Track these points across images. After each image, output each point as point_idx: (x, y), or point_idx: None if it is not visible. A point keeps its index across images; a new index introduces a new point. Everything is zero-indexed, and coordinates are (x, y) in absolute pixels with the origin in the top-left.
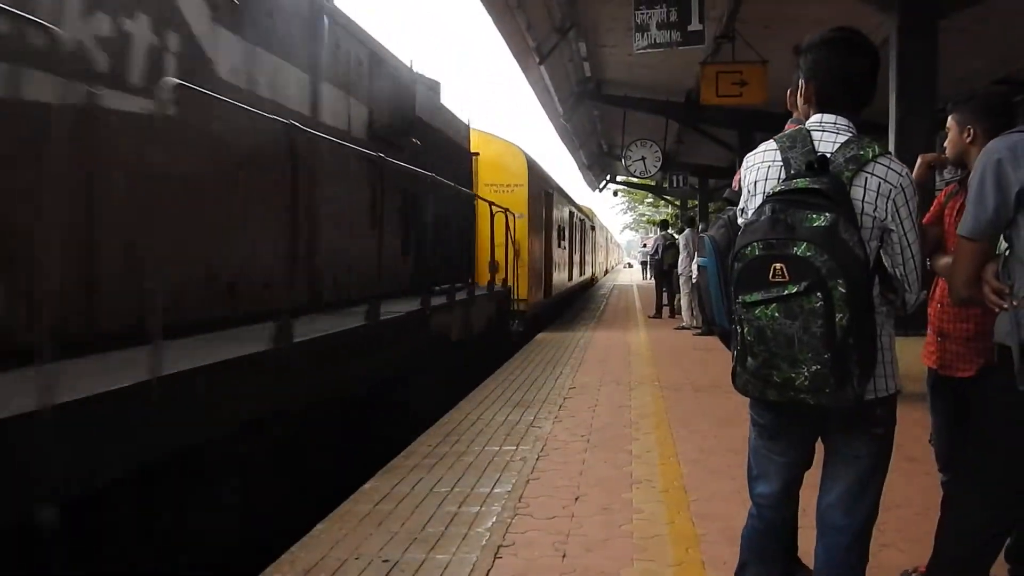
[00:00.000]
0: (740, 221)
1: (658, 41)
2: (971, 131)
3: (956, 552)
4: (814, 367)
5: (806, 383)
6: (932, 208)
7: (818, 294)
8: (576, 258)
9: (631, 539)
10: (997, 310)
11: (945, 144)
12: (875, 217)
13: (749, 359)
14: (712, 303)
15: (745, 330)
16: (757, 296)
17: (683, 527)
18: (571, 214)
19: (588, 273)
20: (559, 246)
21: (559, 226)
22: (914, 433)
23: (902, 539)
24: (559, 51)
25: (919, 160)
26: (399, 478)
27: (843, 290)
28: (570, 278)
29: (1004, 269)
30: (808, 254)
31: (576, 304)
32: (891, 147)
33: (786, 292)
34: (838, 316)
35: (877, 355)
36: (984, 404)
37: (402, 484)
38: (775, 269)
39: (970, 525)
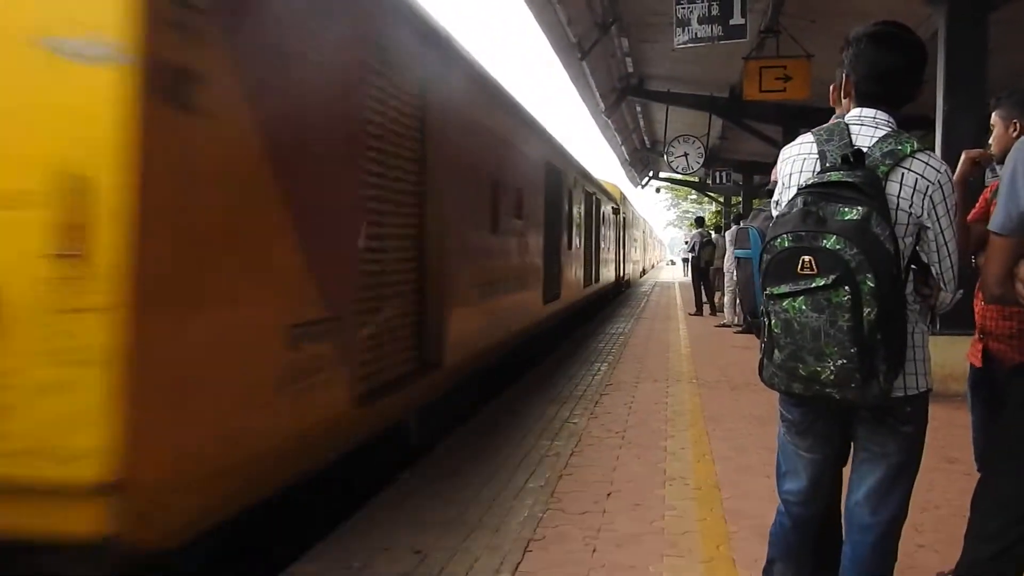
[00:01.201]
0: (774, 213)
1: (699, 36)
2: (1017, 125)
3: (983, 552)
4: (840, 361)
5: (832, 377)
6: (978, 205)
7: (846, 288)
8: (598, 256)
9: (662, 535)
10: None
11: (991, 140)
12: (911, 213)
13: (776, 352)
14: (755, 294)
15: (772, 322)
16: (785, 288)
17: (715, 524)
18: (590, 199)
19: (612, 276)
20: (567, 243)
21: (569, 215)
22: (955, 433)
23: (939, 540)
24: (601, 46)
25: (963, 156)
26: (434, 470)
27: (872, 285)
28: (587, 281)
29: None
30: (838, 247)
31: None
32: (938, 142)
33: (813, 285)
34: (866, 311)
35: (906, 352)
36: (1014, 403)
37: (436, 476)
38: (804, 262)
39: (996, 525)
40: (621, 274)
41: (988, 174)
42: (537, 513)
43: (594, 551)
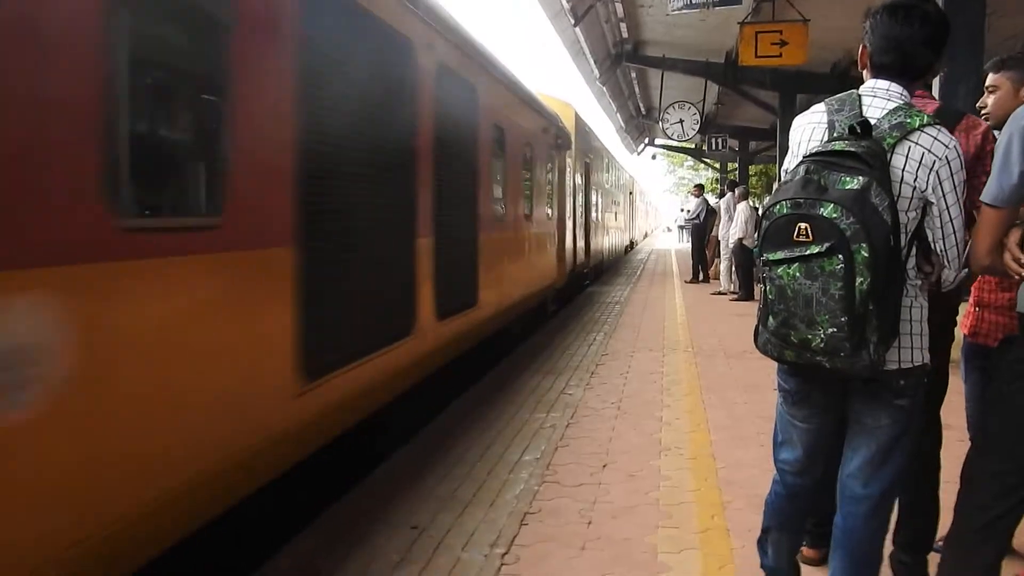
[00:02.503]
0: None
1: (694, 2)
2: None
3: (973, 523)
4: (830, 329)
5: (822, 345)
6: None
7: (839, 256)
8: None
9: (657, 506)
10: (1016, 278)
11: (985, 104)
12: (915, 187)
13: (770, 318)
14: None
15: (767, 288)
16: (781, 255)
17: (709, 494)
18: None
19: (550, 273)
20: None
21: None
22: (951, 400)
23: None
24: (595, 12)
25: None
26: (429, 445)
27: (866, 255)
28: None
29: None
30: (834, 215)
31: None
32: None
33: (808, 252)
34: (859, 280)
35: (900, 325)
36: (1003, 373)
37: (432, 452)
38: (800, 228)
39: (983, 497)
40: (579, 261)
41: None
42: (533, 486)
43: (589, 523)
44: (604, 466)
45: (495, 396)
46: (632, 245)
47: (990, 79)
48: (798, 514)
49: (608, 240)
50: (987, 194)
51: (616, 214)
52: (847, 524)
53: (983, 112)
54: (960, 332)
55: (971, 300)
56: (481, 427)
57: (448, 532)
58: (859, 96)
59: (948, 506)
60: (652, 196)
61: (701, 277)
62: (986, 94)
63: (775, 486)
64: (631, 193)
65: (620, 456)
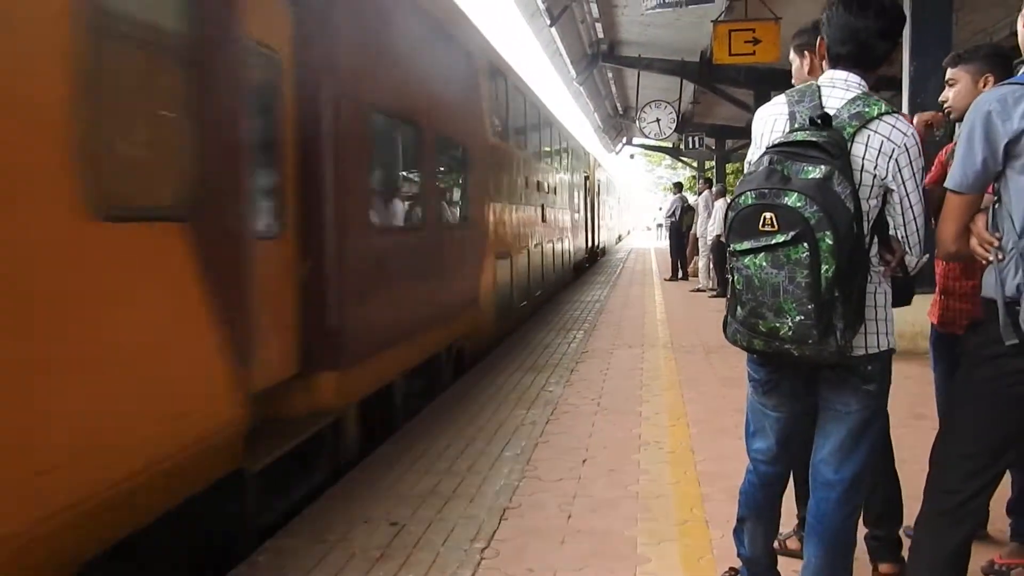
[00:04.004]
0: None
1: (667, 1)
2: (990, 80)
3: (941, 505)
4: (798, 317)
5: (790, 333)
6: (934, 168)
7: (805, 244)
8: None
9: (637, 500)
10: (984, 262)
11: (947, 98)
12: (875, 175)
13: (738, 308)
14: None
15: (735, 279)
16: (747, 245)
17: (688, 487)
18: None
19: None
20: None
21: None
22: (924, 390)
23: (906, 495)
24: (570, 12)
25: (916, 119)
26: (410, 443)
27: (830, 242)
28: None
29: (992, 222)
30: (798, 204)
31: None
32: (905, 103)
33: (774, 241)
34: (823, 268)
35: (866, 311)
36: (969, 358)
37: (413, 448)
38: (765, 218)
39: (951, 480)
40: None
41: (958, 130)
42: (513, 482)
43: (569, 517)
44: (584, 461)
45: (476, 393)
46: (602, 253)
47: (949, 73)
48: (772, 503)
49: (576, 246)
50: (951, 181)
51: (590, 211)
52: (820, 509)
53: (945, 105)
54: (928, 321)
55: (937, 289)
56: (462, 423)
57: (428, 527)
58: (819, 87)
59: (919, 492)
60: (633, 194)
61: (680, 275)
62: (947, 88)
63: (749, 475)
64: (603, 187)
65: (600, 451)
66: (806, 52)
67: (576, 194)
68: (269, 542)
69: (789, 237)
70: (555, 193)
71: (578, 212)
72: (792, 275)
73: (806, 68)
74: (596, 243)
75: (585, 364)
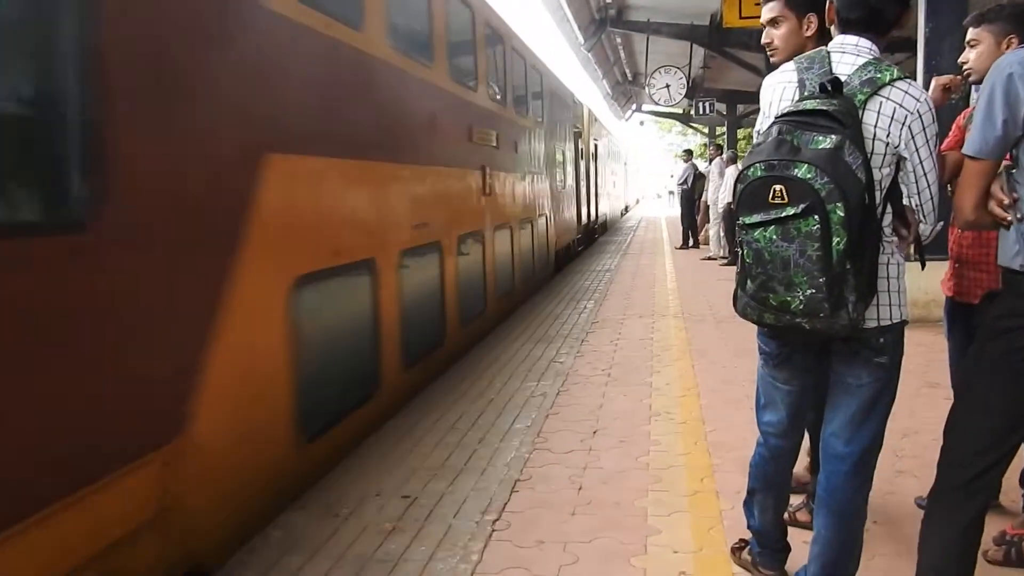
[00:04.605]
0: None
1: None
2: (1014, 42)
3: (955, 479)
4: (809, 291)
5: (801, 307)
6: (951, 133)
7: (815, 217)
8: None
9: (647, 471)
10: (1004, 223)
11: (967, 60)
12: (888, 143)
13: (748, 282)
14: None
15: (745, 252)
16: (757, 218)
17: (699, 458)
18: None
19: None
20: None
21: None
22: (938, 359)
23: (919, 465)
24: None
25: (933, 83)
26: (421, 416)
27: (841, 214)
28: None
29: (1008, 184)
30: (809, 176)
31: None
32: (920, 65)
33: (784, 214)
34: (835, 240)
35: (877, 282)
36: (985, 330)
37: (424, 422)
38: (775, 191)
39: (965, 454)
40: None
41: (974, 95)
42: (523, 454)
43: (580, 488)
44: (594, 432)
45: (486, 365)
46: (595, 225)
47: (971, 34)
48: (782, 475)
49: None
50: (970, 146)
51: (595, 179)
52: (830, 483)
53: (965, 68)
54: (942, 291)
55: (951, 258)
56: (472, 396)
57: (440, 500)
58: (828, 53)
59: (932, 462)
60: (628, 149)
61: (691, 243)
62: (967, 49)
63: (759, 448)
64: (608, 149)
65: (610, 422)
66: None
67: (559, 155)
68: (281, 517)
69: (799, 210)
70: (518, 151)
71: (562, 179)
72: (803, 248)
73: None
74: (593, 218)
75: (595, 334)
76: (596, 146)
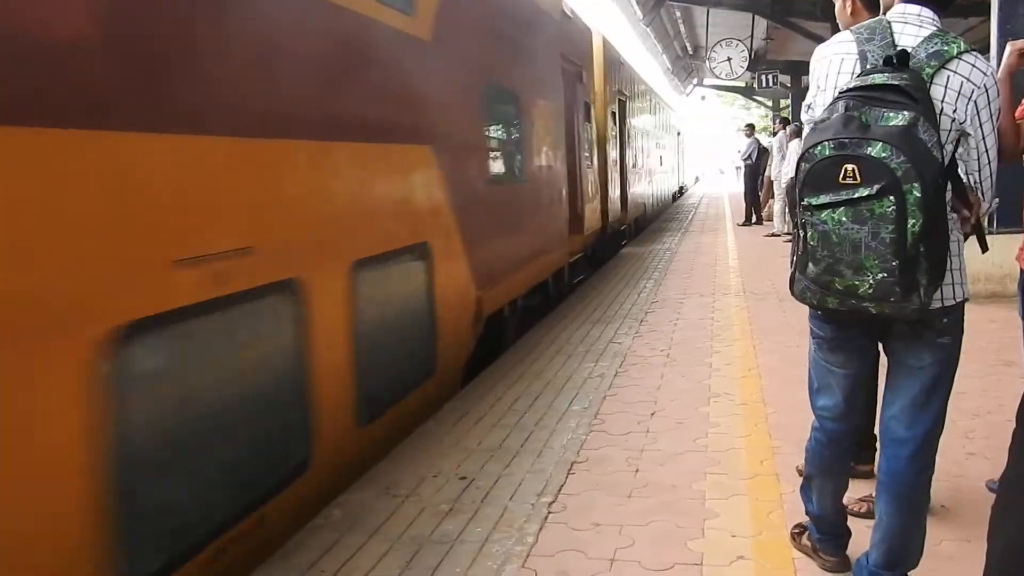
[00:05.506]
0: (805, 118)
1: None
2: None
3: None
4: (880, 275)
5: (870, 291)
6: None
7: (891, 198)
8: None
9: (705, 453)
10: None
11: None
12: (954, 119)
13: (810, 265)
14: None
15: (808, 234)
16: (825, 199)
17: (759, 440)
18: None
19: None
20: None
21: None
22: (1013, 335)
23: (990, 447)
24: None
25: (1008, 47)
26: (479, 398)
27: (918, 195)
28: None
29: None
30: (883, 155)
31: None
32: (993, 31)
33: (856, 195)
34: (910, 222)
35: (946, 264)
36: None
37: (481, 403)
38: (847, 170)
39: None
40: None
41: None
42: (580, 436)
43: (637, 471)
44: (652, 414)
45: (544, 346)
46: (642, 210)
47: None
48: (839, 459)
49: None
50: None
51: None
52: (891, 467)
53: None
54: (1018, 264)
55: None
56: (529, 377)
57: (496, 482)
58: (889, 23)
59: (1005, 444)
60: (703, 137)
61: (754, 219)
62: None
63: (815, 433)
64: (657, 123)
65: (668, 404)
66: None
67: (549, 123)
68: (342, 496)
69: (874, 191)
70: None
71: (552, 160)
72: (876, 231)
73: (848, 9)
74: (616, 216)
75: (654, 314)
76: (625, 109)
